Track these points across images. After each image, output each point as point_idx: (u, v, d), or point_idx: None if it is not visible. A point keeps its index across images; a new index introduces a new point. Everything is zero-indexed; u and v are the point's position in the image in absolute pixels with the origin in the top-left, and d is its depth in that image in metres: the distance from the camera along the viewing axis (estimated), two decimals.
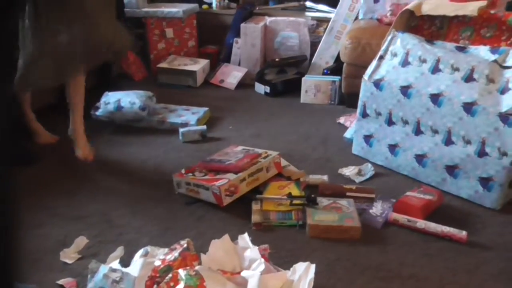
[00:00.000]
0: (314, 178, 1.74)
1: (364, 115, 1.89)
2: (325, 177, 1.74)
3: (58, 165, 1.88)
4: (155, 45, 3.02)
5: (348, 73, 2.40)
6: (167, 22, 2.95)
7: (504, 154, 1.50)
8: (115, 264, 1.24)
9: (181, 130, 2.11)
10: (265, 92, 2.71)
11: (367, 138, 1.90)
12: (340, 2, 2.71)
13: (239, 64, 2.94)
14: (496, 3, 1.85)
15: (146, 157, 1.95)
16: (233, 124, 2.31)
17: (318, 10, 3.04)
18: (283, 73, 2.77)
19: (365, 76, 1.85)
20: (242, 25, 2.83)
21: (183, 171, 1.69)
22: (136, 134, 2.17)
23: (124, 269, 1.20)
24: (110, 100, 2.23)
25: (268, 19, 2.90)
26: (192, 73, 2.82)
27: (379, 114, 1.83)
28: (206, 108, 2.39)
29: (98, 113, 2.22)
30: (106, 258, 1.31)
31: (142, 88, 2.44)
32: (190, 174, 1.66)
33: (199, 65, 2.88)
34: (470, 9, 1.73)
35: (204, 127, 2.16)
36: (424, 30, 1.92)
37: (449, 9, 1.78)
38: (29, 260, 1.33)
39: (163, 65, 2.89)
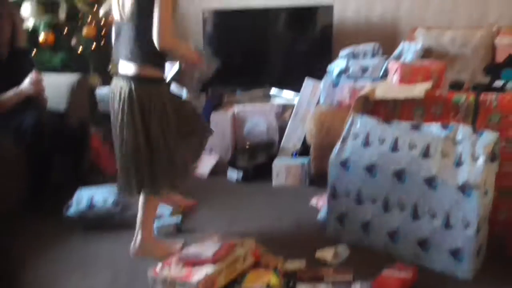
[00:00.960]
0: (292, 263, 1.73)
1: (335, 195, 1.95)
2: (302, 262, 1.74)
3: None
4: None
5: (316, 154, 2.50)
6: None
7: (468, 224, 1.56)
8: None
9: (155, 223, 2.10)
10: (238, 178, 2.76)
11: (339, 218, 1.94)
12: (302, 89, 2.89)
13: (210, 152, 3.01)
14: (440, 85, 2.02)
15: (120, 253, 1.92)
16: (208, 212, 2.32)
17: (282, 97, 3.22)
18: (254, 159, 2.85)
19: (332, 158, 1.94)
20: (212, 114, 2.96)
21: (159, 266, 1.66)
22: (110, 230, 2.13)
23: None
24: (83, 197, 2.22)
25: (237, 108, 3.04)
26: None
27: (348, 193, 1.89)
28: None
29: (69, 213, 2.19)
30: None
31: (115, 182, 2.45)
32: (167, 268, 1.63)
33: None
34: (417, 91, 1.89)
35: (179, 218, 2.16)
36: (380, 112, 2.05)
37: (398, 92, 1.94)
38: None
39: None
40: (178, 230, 2.11)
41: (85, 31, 3.03)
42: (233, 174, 2.78)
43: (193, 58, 1.88)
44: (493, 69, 2.02)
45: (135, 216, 2.20)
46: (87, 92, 2.80)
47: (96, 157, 2.92)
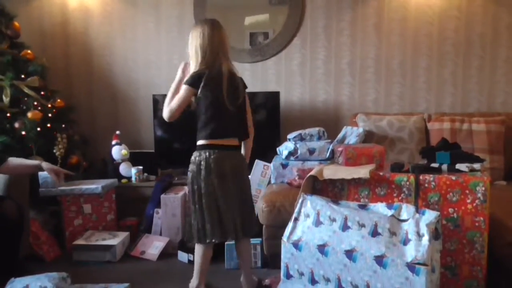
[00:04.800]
0: None
1: (288, 276, 1.93)
2: None
3: None
4: (71, 222, 2.94)
5: (268, 234, 2.50)
6: (84, 198, 2.95)
7: None
8: None
9: None
10: (189, 260, 2.67)
11: None
12: (252, 169, 2.96)
13: (160, 234, 2.92)
14: (382, 166, 2.16)
15: None
16: None
17: None
18: None
19: (284, 238, 1.95)
20: (162, 196, 2.92)
21: None
22: None
23: None
24: (17, 286, 2.05)
25: (187, 188, 3.02)
26: (110, 248, 2.73)
27: (302, 274, 1.89)
28: (127, 284, 2.28)
29: None
30: None
31: (55, 269, 2.30)
32: None
33: (118, 239, 2.82)
34: (363, 172, 2.00)
35: None
36: (329, 192, 2.14)
37: (345, 173, 2.04)
38: None
39: (79, 241, 2.78)
40: None
41: (30, 114, 3.01)
42: (184, 256, 2.69)
43: None
44: (428, 152, 2.19)
45: None
46: (28, 176, 2.70)
47: (36, 243, 2.75)
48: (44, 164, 2.47)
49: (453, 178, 1.94)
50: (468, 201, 1.92)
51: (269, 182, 2.88)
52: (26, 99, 3.10)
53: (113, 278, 2.40)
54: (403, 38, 3.40)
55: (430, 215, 1.74)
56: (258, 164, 2.95)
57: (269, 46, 3.51)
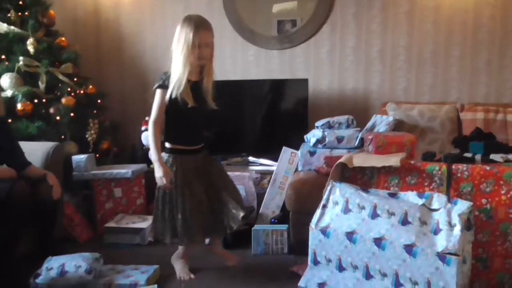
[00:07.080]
0: None
1: (315, 262, 1.94)
2: None
3: None
4: (103, 205, 3.02)
5: (295, 221, 2.51)
6: (115, 183, 3.02)
7: None
8: None
9: None
10: (209, 243, 2.71)
11: (321, 286, 1.92)
12: (280, 156, 2.96)
13: None
14: (413, 155, 2.13)
15: None
16: (186, 281, 2.25)
17: (260, 164, 3.28)
18: None
19: (312, 224, 1.96)
20: None
21: None
22: None
23: None
24: (53, 265, 2.13)
25: None
26: (140, 231, 2.80)
27: (329, 260, 1.89)
28: (156, 266, 2.33)
29: (39, 280, 2.09)
30: None
31: (88, 250, 2.37)
32: None
33: (147, 222, 2.88)
34: (393, 161, 1.98)
35: (155, 286, 2.08)
36: (358, 180, 2.12)
37: (375, 161, 2.02)
38: None
39: (110, 224, 2.85)
40: None
41: (64, 100, 3.09)
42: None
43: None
44: (461, 142, 2.15)
45: (107, 284, 2.11)
46: (62, 160, 2.78)
47: (69, 225, 2.84)
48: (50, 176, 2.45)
49: (487, 168, 1.89)
50: (502, 192, 1.87)
51: (296, 169, 2.88)
52: (60, 85, 3.18)
53: (142, 260, 2.46)
54: (436, 26, 3.31)
55: (462, 205, 1.71)
56: (286, 151, 2.95)
57: (298, 33, 3.49)
